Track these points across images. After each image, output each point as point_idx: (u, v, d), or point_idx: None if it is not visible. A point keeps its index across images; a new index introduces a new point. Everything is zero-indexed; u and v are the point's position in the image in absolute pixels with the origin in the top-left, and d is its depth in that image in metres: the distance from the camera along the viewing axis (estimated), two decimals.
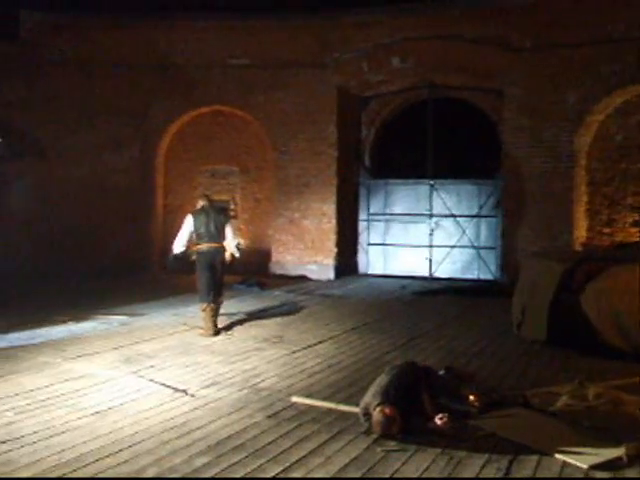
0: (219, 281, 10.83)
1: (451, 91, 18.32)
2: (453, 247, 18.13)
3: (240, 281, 15.98)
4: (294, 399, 6.91)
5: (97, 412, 6.45)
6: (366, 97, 18.83)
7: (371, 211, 19.00)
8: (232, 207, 19.02)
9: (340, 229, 17.86)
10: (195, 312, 12.16)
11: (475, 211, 18.04)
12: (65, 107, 17.94)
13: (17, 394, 7.02)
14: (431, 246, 18.23)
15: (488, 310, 13.10)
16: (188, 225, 10.84)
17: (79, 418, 6.28)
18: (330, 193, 17.64)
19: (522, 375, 8.08)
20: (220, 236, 10.77)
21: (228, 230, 10.89)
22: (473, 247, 18.05)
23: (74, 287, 15.40)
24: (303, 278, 17.35)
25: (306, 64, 17.68)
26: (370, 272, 18.79)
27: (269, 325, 11.30)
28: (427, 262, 18.22)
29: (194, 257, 10.86)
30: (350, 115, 18.51)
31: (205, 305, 10.57)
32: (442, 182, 18.20)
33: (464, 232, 18.05)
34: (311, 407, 6.69)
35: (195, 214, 10.92)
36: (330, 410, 6.59)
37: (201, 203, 11.19)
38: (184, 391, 7.17)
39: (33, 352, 9.03)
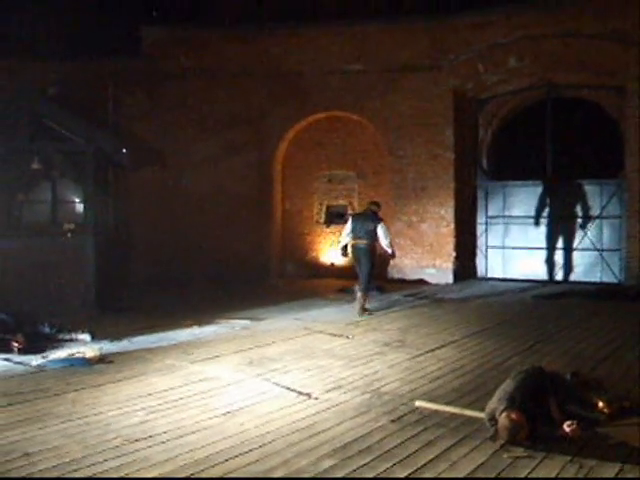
0: (363, 273, 12.83)
1: (570, 89, 17.92)
2: (575, 249, 17.67)
3: None
4: (417, 403, 6.87)
5: (225, 413, 6.59)
6: (482, 98, 18.60)
7: (489, 214, 18.74)
8: (349, 212, 19.14)
9: (458, 232, 17.70)
10: (315, 316, 12.41)
11: (597, 212, 17.54)
12: (185, 117, 18.51)
13: (148, 395, 7.26)
14: (552, 248, 17.82)
15: (613, 314, 12.70)
16: (348, 224, 13.20)
17: (208, 419, 6.43)
18: (448, 196, 17.50)
19: None
20: (368, 236, 12.81)
21: (379, 231, 12.82)
22: (595, 249, 17.56)
23: (196, 292, 15.83)
24: (421, 282, 17.29)
25: (421, 67, 17.62)
26: (489, 276, 18.53)
27: (389, 329, 11.30)
28: (548, 265, 17.83)
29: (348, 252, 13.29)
30: (466, 117, 18.34)
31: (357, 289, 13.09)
32: (562, 183, 17.79)
33: (586, 234, 17.57)
34: (435, 412, 6.63)
35: (354, 216, 13.55)
36: (454, 415, 6.52)
37: (369, 207, 13.45)
38: (308, 394, 7.24)
39: (161, 354, 9.33)
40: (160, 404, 6.92)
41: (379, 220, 13.02)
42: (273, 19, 18.58)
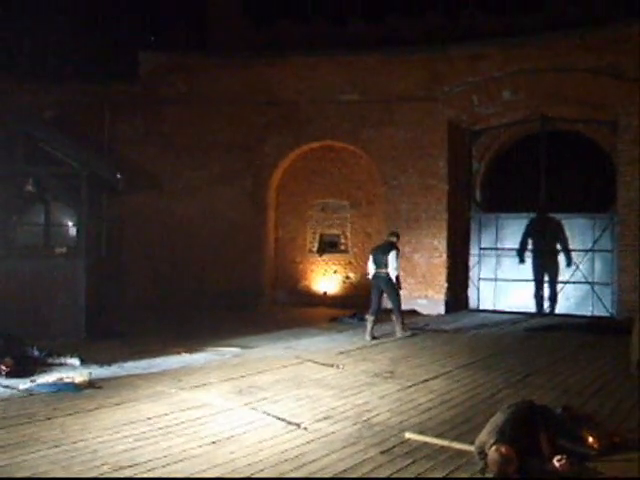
0: (392, 300, 13.89)
1: (564, 123, 18.02)
2: (566, 282, 17.70)
3: (351, 315, 16.05)
4: (407, 435, 6.84)
5: (213, 442, 6.54)
6: (477, 130, 18.70)
7: (482, 245, 18.76)
8: (342, 241, 19.17)
9: (451, 264, 17.71)
10: (306, 345, 12.39)
11: (589, 245, 17.59)
12: (180, 143, 18.57)
13: (136, 421, 7.21)
14: (543, 281, 17.84)
15: (605, 347, 12.68)
16: (370, 257, 14.03)
17: (196, 447, 6.37)
18: (441, 227, 17.51)
19: None
20: (385, 265, 13.59)
21: (389, 259, 13.54)
22: (587, 282, 17.59)
23: (188, 318, 15.78)
24: (413, 313, 17.22)
25: (416, 98, 17.72)
26: (481, 307, 18.51)
27: (380, 360, 11.26)
28: (539, 297, 17.83)
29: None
30: (460, 149, 18.42)
31: (367, 315, 13.76)
32: (555, 216, 17.83)
33: (578, 267, 17.61)
34: (425, 444, 6.60)
35: (373, 249, 14.34)
36: (444, 447, 6.49)
37: (387, 238, 14.30)
38: (297, 424, 7.19)
39: (150, 381, 9.28)
40: (148, 431, 6.87)
41: (392, 248, 13.81)
42: (271, 47, 18.69)
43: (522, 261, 18.08)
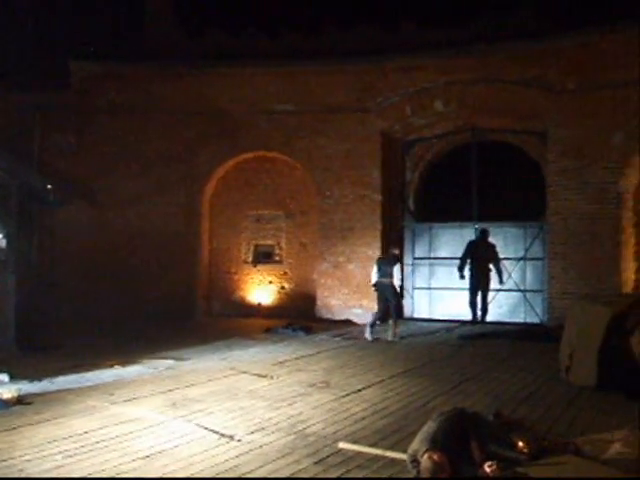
0: (392, 305, 15.07)
1: (494, 134, 18.35)
2: (499, 290, 17.96)
3: (285, 325, 16.04)
4: (341, 445, 6.85)
5: (147, 456, 6.46)
6: (410, 141, 18.91)
7: (416, 255, 18.97)
8: (276, 252, 19.13)
9: None
10: (241, 357, 12.32)
11: (521, 254, 17.91)
12: (114, 154, 18.36)
13: (66, 437, 7.07)
14: (477, 290, 18.03)
15: (535, 354, 12.90)
16: (375, 267, 15.27)
17: (128, 462, 6.28)
18: (375, 237, 17.64)
19: (572, 421, 7.91)
20: (389, 275, 14.89)
21: (394, 270, 14.87)
22: (519, 290, 17.90)
23: (120, 331, 15.56)
24: (348, 322, 17.32)
25: (350, 109, 17.85)
26: (416, 316, 18.69)
27: (315, 370, 11.26)
28: (472, 306, 18.03)
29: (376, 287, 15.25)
30: (394, 159, 18.60)
31: (372, 319, 15.38)
32: (487, 225, 18.07)
33: (510, 275, 17.90)
34: (358, 453, 6.62)
35: (379, 258, 15.68)
36: (377, 456, 6.52)
37: (391, 251, 15.65)
38: (231, 436, 7.15)
39: (82, 396, 9.11)
40: (79, 447, 6.74)
41: (396, 261, 15.19)
42: (206, 57, 18.60)
43: (462, 277, 17.76)
